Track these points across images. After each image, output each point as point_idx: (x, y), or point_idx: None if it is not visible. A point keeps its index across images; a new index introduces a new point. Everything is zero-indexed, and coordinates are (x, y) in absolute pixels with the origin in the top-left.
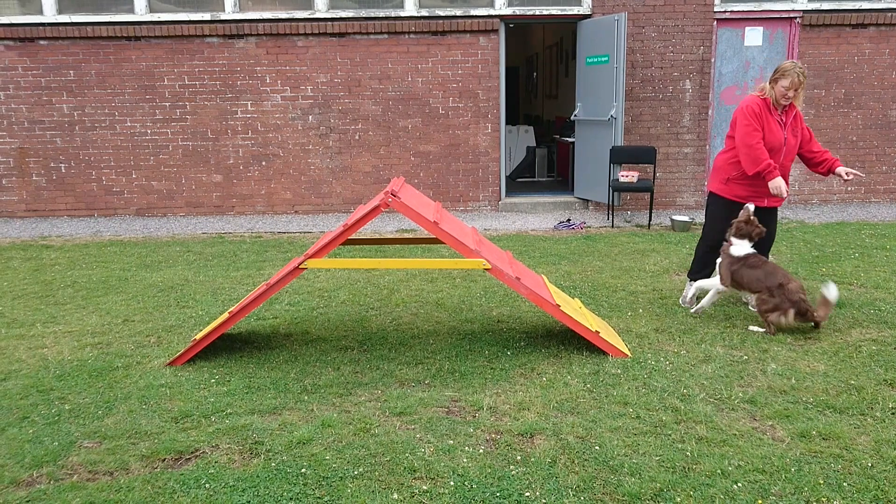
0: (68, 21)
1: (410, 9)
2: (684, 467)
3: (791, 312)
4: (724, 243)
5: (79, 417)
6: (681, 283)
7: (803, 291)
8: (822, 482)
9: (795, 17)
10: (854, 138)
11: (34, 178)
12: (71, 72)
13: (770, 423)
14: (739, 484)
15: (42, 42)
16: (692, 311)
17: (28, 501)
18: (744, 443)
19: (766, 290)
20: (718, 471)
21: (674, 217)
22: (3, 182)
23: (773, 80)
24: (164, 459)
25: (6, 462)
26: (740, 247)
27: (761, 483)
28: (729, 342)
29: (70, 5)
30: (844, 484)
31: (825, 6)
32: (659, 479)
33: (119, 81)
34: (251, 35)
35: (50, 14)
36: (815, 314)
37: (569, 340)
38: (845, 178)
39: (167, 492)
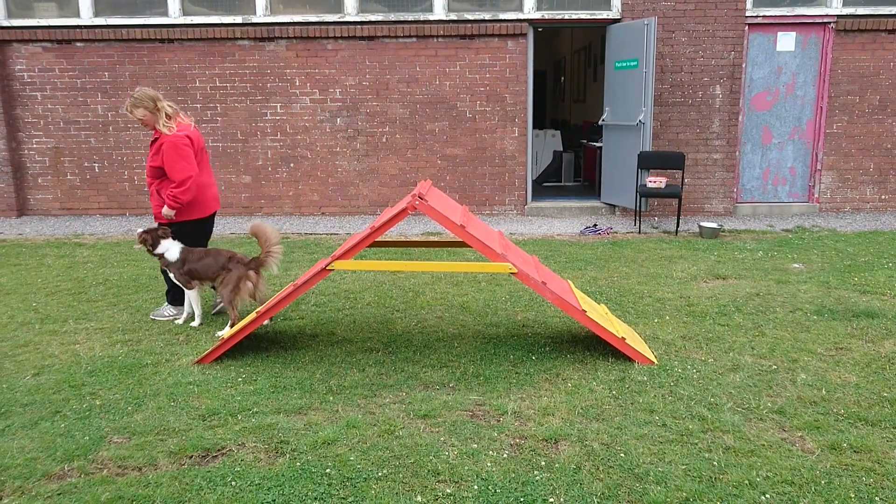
0: (104, 23)
1: (439, 13)
2: (711, 477)
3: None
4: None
5: (109, 413)
6: (709, 290)
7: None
8: (852, 496)
9: (829, 23)
10: (889, 146)
11: (69, 177)
12: (106, 73)
13: (799, 434)
14: (767, 495)
15: (79, 44)
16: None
17: (59, 494)
18: (772, 454)
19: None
20: (746, 481)
21: (702, 224)
22: (39, 181)
23: None
24: (192, 456)
25: (39, 455)
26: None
27: (790, 495)
28: (758, 351)
29: (106, 8)
30: (876, 498)
31: (860, 11)
32: (685, 489)
33: (152, 83)
34: (281, 38)
35: (87, 17)
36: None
37: (594, 346)
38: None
39: (194, 488)
